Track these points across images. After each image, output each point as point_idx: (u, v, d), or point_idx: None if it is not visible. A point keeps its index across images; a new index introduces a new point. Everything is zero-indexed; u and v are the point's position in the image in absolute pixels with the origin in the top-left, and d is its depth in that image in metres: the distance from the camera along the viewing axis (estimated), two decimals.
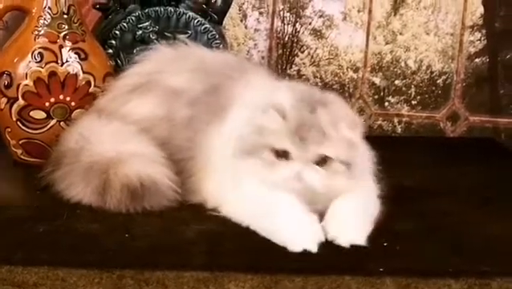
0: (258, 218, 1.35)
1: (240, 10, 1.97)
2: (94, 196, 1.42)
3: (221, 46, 1.78)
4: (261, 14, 1.98)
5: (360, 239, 1.33)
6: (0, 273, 1.21)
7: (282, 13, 1.98)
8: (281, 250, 1.29)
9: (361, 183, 1.42)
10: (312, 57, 2.00)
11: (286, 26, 1.99)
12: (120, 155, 1.45)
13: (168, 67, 1.58)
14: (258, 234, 1.34)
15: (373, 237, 1.35)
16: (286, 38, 1.99)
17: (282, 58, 1.99)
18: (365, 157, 1.44)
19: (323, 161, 1.36)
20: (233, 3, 1.88)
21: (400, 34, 2.02)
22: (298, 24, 1.99)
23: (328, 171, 1.36)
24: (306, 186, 1.35)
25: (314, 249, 1.29)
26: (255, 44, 1.99)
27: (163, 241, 1.32)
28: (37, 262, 1.22)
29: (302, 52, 2.00)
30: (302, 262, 1.27)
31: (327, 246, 1.32)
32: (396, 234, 1.37)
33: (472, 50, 2.03)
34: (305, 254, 1.29)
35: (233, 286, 1.23)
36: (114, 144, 1.48)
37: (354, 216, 1.36)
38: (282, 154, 1.36)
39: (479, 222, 1.47)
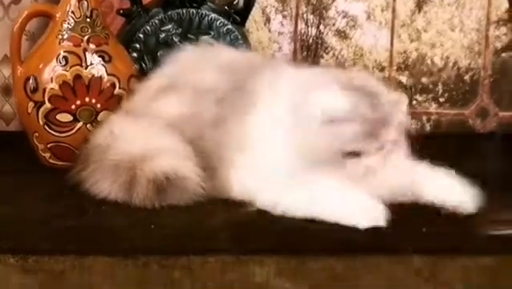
0: (321, 205, 1.34)
1: (263, 14, 1.98)
2: (120, 192, 1.43)
3: (243, 46, 1.79)
4: (284, 17, 1.99)
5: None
6: (27, 263, 1.22)
7: (305, 15, 1.99)
8: (306, 232, 1.29)
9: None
10: (337, 58, 2.00)
11: (309, 28, 1.99)
12: (148, 151, 1.46)
13: (195, 65, 1.59)
14: (283, 219, 1.34)
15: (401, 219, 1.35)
16: (311, 41, 2.00)
17: (307, 60, 1.99)
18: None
19: None
20: (255, 6, 1.89)
21: (425, 31, 2.01)
22: (321, 26, 1.99)
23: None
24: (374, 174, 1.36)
25: (383, 223, 1.30)
26: (279, 47, 1.99)
27: (188, 228, 1.32)
28: (63, 251, 1.23)
29: (327, 54, 2.00)
30: (328, 243, 1.26)
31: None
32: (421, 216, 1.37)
33: (498, 45, 2.02)
34: (331, 234, 1.28)
35: (259, 269, 1.23)
36: (141, 141, 1.49)
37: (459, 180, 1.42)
38: (351, 153, 1.36)
39: (505, 206, 1.45)
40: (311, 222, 1.32)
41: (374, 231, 1.29)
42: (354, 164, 1.36)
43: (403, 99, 1.42)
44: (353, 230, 1.29)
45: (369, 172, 1.36)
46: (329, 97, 1.37)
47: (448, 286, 1.25)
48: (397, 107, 1.39)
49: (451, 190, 1.40)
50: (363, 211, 1.31)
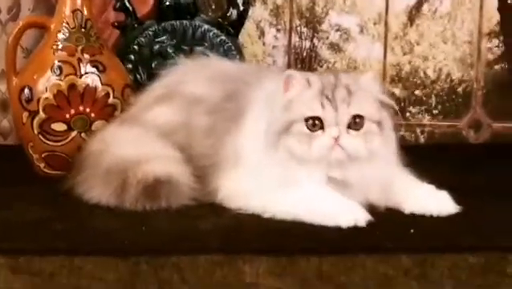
0: (306, 208, 1.36)
1: (257, 28, 2.00)
2: (112, 196, 1.44)
3: (237, 57, 1.80)
4: (278, 30, 2.01)
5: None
6: (17, 263, 1.23)
7: (299, 28, 2.01)
8: (296, 232, 1.30)
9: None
10: (331, 71, 2.02)
11: (303, 42, 2.02)
12: (140, 156, 1.47)
13: (189, 76, 1.61)
14: (272, 221, 1.36)
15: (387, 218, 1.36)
16: (305, 54, 2.02)
17: None
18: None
19: (356, 124, 1.37)
20: (250, 20, 1.91)
21: (418, 44, 2.03)
22: (315, 39, 2.02)
23: (363, 133, 1.38)
24: (347, 153, 1.36)
25: (363, 224, 1.32)
26: (274, 61, 2.02)
27: (178, 230, 1.33)
28: (53, 252, 1.24)
29: (321, 66, 2.02)
30: (316, 243, 1.27)
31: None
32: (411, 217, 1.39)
33: (490, 57, 2.04)
34: (319, 234, 1.29)
35: (248, 269, 1.24)
36: (134, 148, 1.50)
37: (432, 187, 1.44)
38: (315, 124, 1.37)
39: (497, 210, 1.46)
40: (300, 223, 1.34)
41: (361, 231, 1.31)
42: (320, 137, 1.37)
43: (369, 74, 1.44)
44: (340, 230, 1.31)
45: (337, 147, 1.36)
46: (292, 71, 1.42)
47: (437, 284, 1.25)
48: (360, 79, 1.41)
49: (428, 200, 1.42)
50: (344, 212, 1.34)
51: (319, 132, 1.37)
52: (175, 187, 1.44)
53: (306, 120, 1.37)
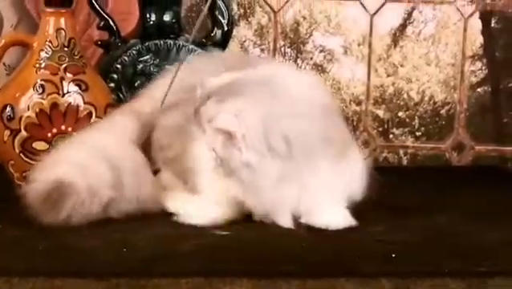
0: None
1: (241, 48, 2.01)
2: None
3: None
4: (262, 50, 2.01)
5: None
6: None
7: (283, 49, 2.01)
8: (277, 254, 1.30)
9: None
10: None
11: (287, 62, 2.02)
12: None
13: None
14: (254, 242, 1.36)
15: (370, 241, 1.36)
16: None
17: None
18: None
19: None
20: (234, 40, 1.91)
21: (401, 66, 2.04)
22: (299, 59, 2.02)
23: None
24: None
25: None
26: None
27: (160, 251, 1.32)
28: (34, 272, 1.23)
29: None
30: (298, 266, 1.27)
31: (324, 248, 1.33)
32: (392, 243, 1.38)
33: (474, 79, 2.05)
34: (300, 257, 1.29)
35: None
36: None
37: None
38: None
39: (478, 233, 1.46)
40: (282, 245, 1.34)
41: (342, 255, 1.31)
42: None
43: None
44: (321, 253, 1.31)
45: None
46: None
47: None
48: None
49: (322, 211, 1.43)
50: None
51: None
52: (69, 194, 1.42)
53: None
